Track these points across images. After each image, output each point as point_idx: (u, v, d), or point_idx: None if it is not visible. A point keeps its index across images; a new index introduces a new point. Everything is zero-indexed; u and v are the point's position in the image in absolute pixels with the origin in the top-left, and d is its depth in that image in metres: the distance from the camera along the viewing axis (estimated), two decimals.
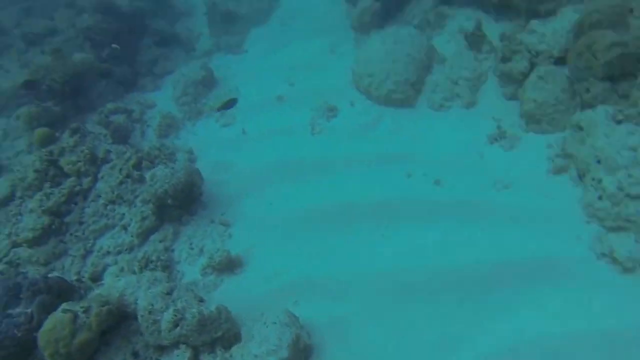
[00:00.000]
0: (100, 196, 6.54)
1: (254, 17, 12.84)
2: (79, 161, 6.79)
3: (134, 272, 5.43)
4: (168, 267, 5.93)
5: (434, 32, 8.54)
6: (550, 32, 6.56)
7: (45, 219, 6.22)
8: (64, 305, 4.22)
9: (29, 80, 9.91)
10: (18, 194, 6.91)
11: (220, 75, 10.49)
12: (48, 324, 4.10)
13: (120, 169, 6.63)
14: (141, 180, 6.56)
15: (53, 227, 6.23)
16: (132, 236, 6.27)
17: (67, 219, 6.42)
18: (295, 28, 11.83)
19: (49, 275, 4.74)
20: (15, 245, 6.36)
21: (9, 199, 6.92)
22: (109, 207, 6.47)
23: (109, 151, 7.21)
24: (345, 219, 6.33)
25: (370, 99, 8.01)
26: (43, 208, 6.32)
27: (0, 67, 11.73)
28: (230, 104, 7.71)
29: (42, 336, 4.07)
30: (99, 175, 6.76)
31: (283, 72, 9.69)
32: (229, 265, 5.81)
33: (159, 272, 5.02)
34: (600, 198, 5.01)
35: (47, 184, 6.59)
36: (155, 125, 9.03)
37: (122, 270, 5.60)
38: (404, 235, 5.89)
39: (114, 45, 10.58)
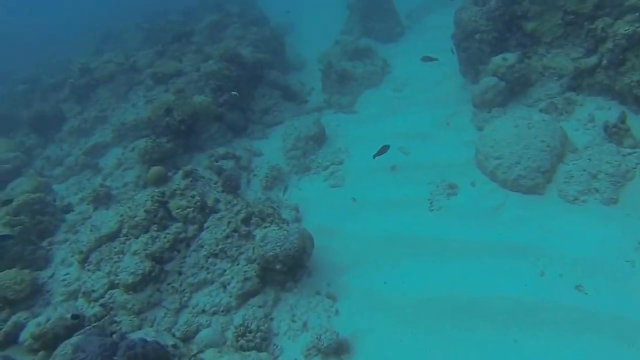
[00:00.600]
0: (203, 247, 6.14)
1: (367, 79, 12.67)
2: (189, 207, 6.50)
3: (235, 350, 4.77)
4: (266, 339, 5.24)
5: (560, 118, 7.79)
6: None
7: (147, 265, 5.88)
8: None
9: (168, 108, 10.31)
10: (124, 230, 6.74)
11: (331, 133, 10.16)
12: None
13: (229, 222, 6.23)
14: (248, 236, 6.07)
15: (153, 274, 5.86)
16: (230, 296, 5.72)
17: (167, 267, 6.04)
18: (407, 95, 11.42)
19: (147, 339, 4.22)
20: (112, 286, 6.06)
21: (116, 234, 6.76)
22: (210, 260, 6.02)
23: (218, 200, 6.90)
24: (468, 317, 5.38)
25: (495, 180, 7.23)
26: (147, 252, 6.01)
27: (128, 101, 12.42)
28: (383, 150, 7.39)
29: None
30: (206, 225, 6.39)
31: (396, 139, 9.11)
32: (337, 350, 5.01)
33: (264, 354, 4.32)
34: None
35: (154, 226, 6.33)
36: (262, 176, 8.75)
37: (222, 348, 4.98)
38: (541, 346, 4.83)
39: (233, 93, 10.75)
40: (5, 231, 7.08)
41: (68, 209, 8.88)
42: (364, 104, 11.62)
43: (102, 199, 8.52)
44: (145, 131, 11.00)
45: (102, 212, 7.89)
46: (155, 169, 7.25)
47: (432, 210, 7.00)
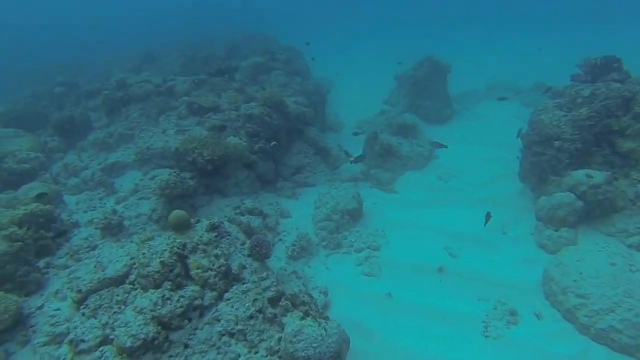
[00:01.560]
0: (219, 321, 5.38)
1: (412, 160, 12.25)
2: (210, 269, 5.80)
3: None
4: None
5: None
6: None
7: (152, 330, 5.11)
8: None
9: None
10: (132, 277, 6.02)
11: (367, 210, 9.55)
12: None
13: (254, 299, 5.49)
14: (273, 321, 5.33)
15: (156, 342, 5.08)
16: None
17: (174, 335, 5.27)
18: (454, 187, 10.85)
19: None
20: (106, 341, 5.28)
21: (122, 279, 6.04)
22: (224, 339, 5.25)
23: (243, 267, 6.21)
24: None
25: (570, 321, 6.25)
26: (155, 313, 5.25)
27: (158, 124, 11.99)
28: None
29: None
30: (227, 295, 5.67)
31: (442, 237, 8.44)
32: None
33: None
34: None
35: (167, 283, 5.61)
36: (289, 243, 8.09)
37: None
38: None
39: (273, 143, 10.32)
40: (4, 246, 6.36)
41: (74, 227, 8.20)
42: (405, 185, 11.09)
43: (113, 229, 7.84)
44: (169, 161, 10.50)
45: (111, 247, 7.17)
46: (178, 215, 6.57)
47: (488, 337, 6.15)
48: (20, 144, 10.90)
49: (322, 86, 16.55)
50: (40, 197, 8.61)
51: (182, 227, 6.57)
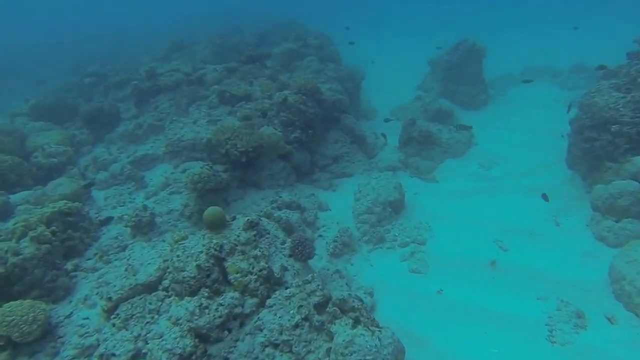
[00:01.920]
0: (262, 330, 4.79)
1: (452, 147, 11.39)
2: (250, 273, 5.20)
3: None
4: None
5: None
6: None
7: (189, 343, 4.57)
8: None
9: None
10: (166, 282, 5.50)
11: (408, 202, 8.82)
12: None
13: (299, 306, 4.87)
14: (320, 330, 4.70)
15: (194, 357, 4.53)
16: None
17: (212, 349, 4.70)
18: (498, 176, 9.99)
19: None
20: (137, 356, 4.76)
21: (155, 285, 5.52)
22: (267, 351, 4.66)
23: (285, 268, 5.60)
24: None
25: None
26: (192, 325, 4.70)
27: (188, 114, 11.50)
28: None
29: None
30: (269, 302, 5.06)
31: (490, 230, 7.67)
32: None
33: None
34: None
35: (205, 290, 5.04)
36: (329, 239, 7.45)
37: None
38: None
39: (310, 131, 9.71)
40: (31, 249, 5.93)
41: (104, 224, 7.79)
42: (445, 174, 10.30)
43: (144, 227, 7.37)
44: (201, 154, 9.99)
45: (142, 247, 6.70)
46: (213, 212, 5.98)
47: (554, 343, 5.39)
48: (49, 137, 10.58)
49: (356, 72, 15.66)
50: (88, 186, 8.40)
51: (218, 225, 6.00)
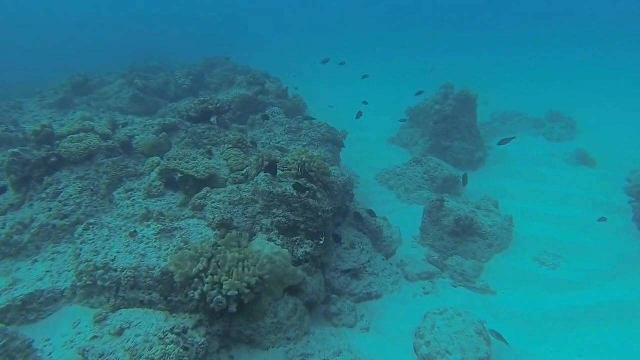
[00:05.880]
0: None
1: (497, 237, 8.45)
2: None
3: None
4: None
5: None
6: None
7: None
8: None
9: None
10: None
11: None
12: None
13: None
14: None
15: None
16: None
17: None
18: (574, 280, 7.19)
19: None
20: None
21: None
22: None
23: None
24: None
25: None
26: None
27: (116, 208, 7.12)
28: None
29: None
30: None
31: None
32: None
33: None
34: None
35: None
36: None
37: None
38: None
39: (322, 240, 6.06)
40: None
41: None
42: (498, 279, 7.34)
43: None
44: (150, 294, 5.68)
45: None
46: None
47: None
48: None
49: (333, 128, 12.32)
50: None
51: None
